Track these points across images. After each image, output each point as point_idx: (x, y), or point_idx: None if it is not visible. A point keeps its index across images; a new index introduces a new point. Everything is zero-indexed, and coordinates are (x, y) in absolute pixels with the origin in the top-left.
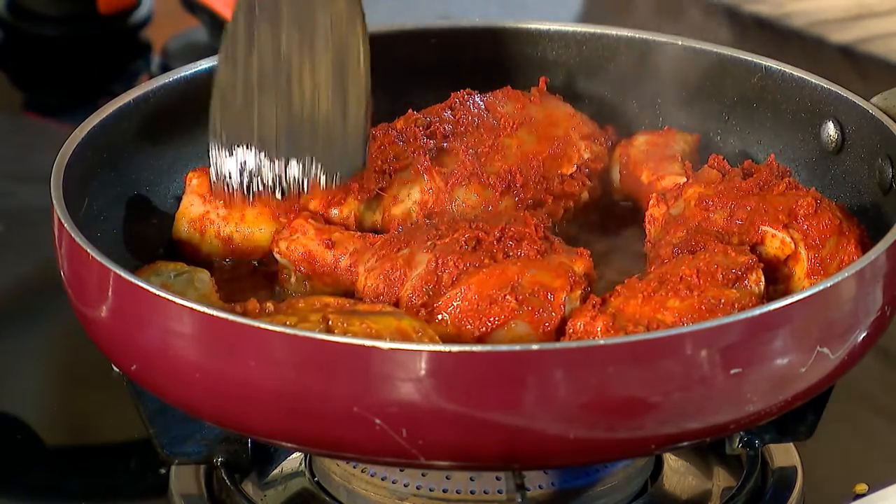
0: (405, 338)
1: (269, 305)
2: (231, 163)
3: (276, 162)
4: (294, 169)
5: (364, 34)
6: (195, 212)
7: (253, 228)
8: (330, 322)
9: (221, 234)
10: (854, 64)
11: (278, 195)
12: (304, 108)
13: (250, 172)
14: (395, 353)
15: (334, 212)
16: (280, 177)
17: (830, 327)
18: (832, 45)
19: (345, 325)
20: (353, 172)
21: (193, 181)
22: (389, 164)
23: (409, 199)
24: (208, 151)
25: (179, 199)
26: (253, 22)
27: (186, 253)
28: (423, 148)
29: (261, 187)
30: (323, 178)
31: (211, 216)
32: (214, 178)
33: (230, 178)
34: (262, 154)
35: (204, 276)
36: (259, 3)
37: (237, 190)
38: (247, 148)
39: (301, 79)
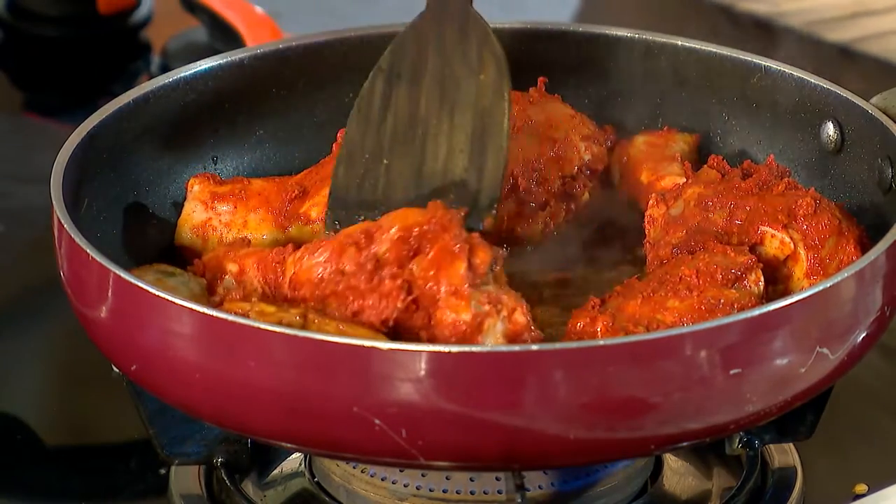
0: None
1: (254, 296)
2: (348, 215)
3: None
4: None
5: (510, 105)
6: (197, 218)
7: (256, 235)
8: (308, 317)
9: (224, 240)
10: (851, 63)
11: None
12: (436, 170)
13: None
14: (395, 353)
15: None
16: None
17: (830, 327)
18: (829, 44)
19: (321, 324)
20: (478, 229)
21: (195, 187)
22: None
23: None
24: (327, 210)
25: (180, 199)
26: (392, 86)
27: (188, 258)
28: None
29: None
30: None
31: (213, 223)
32: (329, 223)
33: (344, 226)
34: (385, 209)
35: (199, 281)
36: (401, 70)
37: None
38: (370, 202)
39: (436, 142)
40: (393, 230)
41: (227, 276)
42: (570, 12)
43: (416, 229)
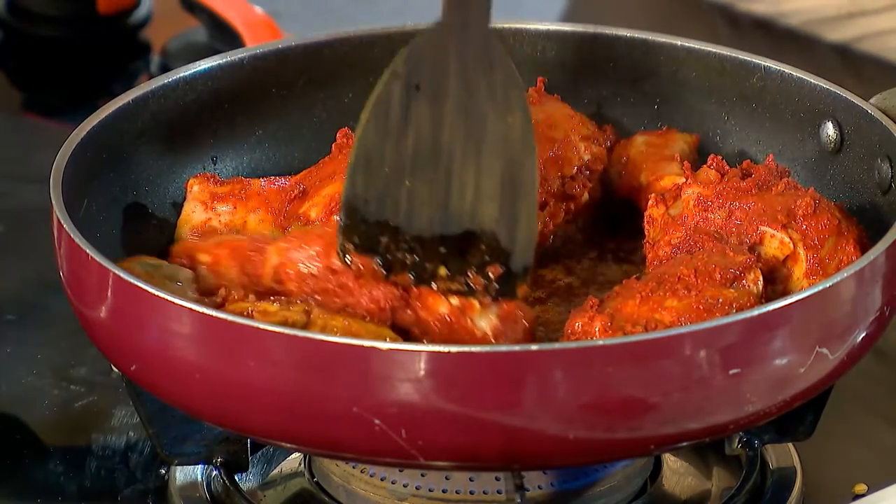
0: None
1: (252, 296)
2: (368, 230)
3: (425, 251)
4: (441, 271)
5: (536, 161)
6: (197, 219)
7: (255, 235)
8: (312, 315)
9: None
10: (849, 62)
11: (411, 278)
12: (463, 210)
13: (389, 248)
14: (395, 353)
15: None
16: (422, 267)
17: (829, 327)
18: (827, 44)
19: (326, 320)
20: (513, 292)
21: (195, 188)
22: None
23: None
24: (342, 211)
25: (180, 199)
26: (410, 97)
27: None
28: None
29: (398, 267)
30: (479, 286)
31: (213, 223)
32: (341, 240)
33: (362, 242)
34: (408, 237)
35: (186, 271)
36: (420, 82)
37: (364, 259)
38: (390, 224)
39: (463, 180)
40: None
41: (200, 267)
42: (563, 10)
43: None
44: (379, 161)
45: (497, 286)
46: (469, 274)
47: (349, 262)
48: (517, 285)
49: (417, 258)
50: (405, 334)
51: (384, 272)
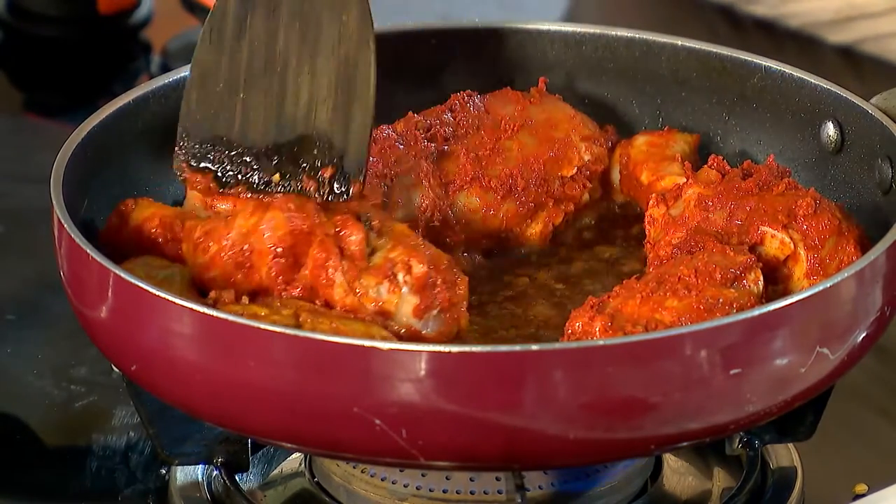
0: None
1: (245, 298)
2: (202, 149)
3: (259, 161)
4: (276, 178)
5: (375, 60)
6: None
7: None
8: (300, 318)
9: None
10: (851, 64)
11: (247, 192)
12: (297, 115)
13: (223, 162)
14: (395, 353)
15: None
16: (258, 177)
17: (830, 328)
18: (829, 46)
19: (314, 322)
20: (345, 197)
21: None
22: (391, 167)
23: (411, 204)
24: (178, 132)
25: (180, 199)
26: (246, 7)
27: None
28: (424, 152)
29: (231, 181)
30: (312, 189)
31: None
32: (179, 158)
33: (196, 162)
34: (241, 150)
35: (186, 273)
36: None
37: (204, 174)
38: (224, 140)
39: (298, 84)
40: (269, 249)
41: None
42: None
43: (284, 244)
44: (214, 79)
45: (330, 188)
46: (302, 178)
47: (183, 179)
48: (351, 184)
49: (251, 170)
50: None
51: (219, 187)
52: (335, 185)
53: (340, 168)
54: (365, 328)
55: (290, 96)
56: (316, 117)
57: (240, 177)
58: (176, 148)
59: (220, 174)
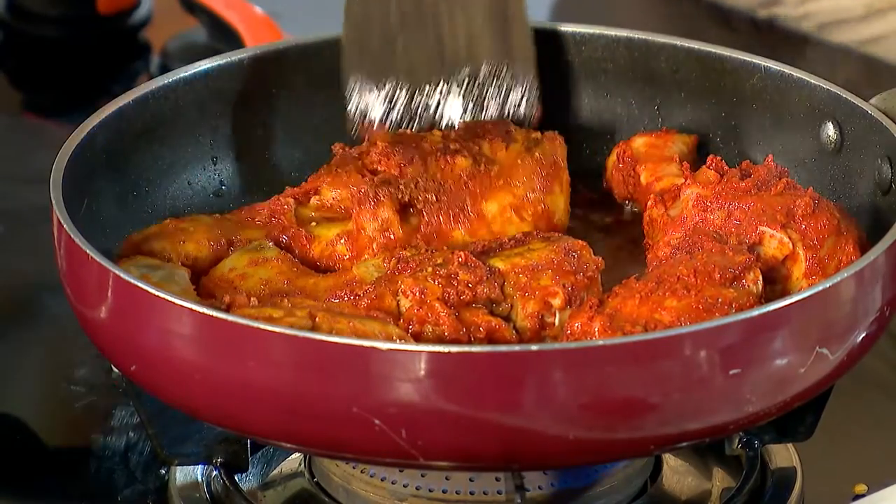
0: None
1: (255, 300)
2: (374, 97)
3: (428, 89)
4: (454, 96)
5: None
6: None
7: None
8: (317, 319)
9: None
10: (850, 64)
11: (417, 125)
12: (459, 50)
13: (392, 103)
14: (395, 353)
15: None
16: (430, 106)
17: (829, 328)
18: (829, 46)
19: (331, 323)
20: (529, 121)
21: None
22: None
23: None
24: (347, 91)
25: (180, 199)
26: None
27: None
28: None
29: (403, 117)
30: (492, 111)
31: None
32: (352, 114)
33: (371, 111)
34: (411, 87)
35: (182, 272)
36: None
37: (378, 122)
38: (393, 82)
39: (454, 21)
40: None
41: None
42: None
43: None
44: (368, 28)
45: (516, 112)
46: (488, 105)
47: (359, 133)
48: (534, 106)
49: (426, 108)
50: None
51: (388, 127)
52: (521, 109)
53: (521, 91)
54: (382, 327)
55: (448, 34)
56: (478, 53)
57: (415, 117)
58: (348, 105)
59: (396, 116)
